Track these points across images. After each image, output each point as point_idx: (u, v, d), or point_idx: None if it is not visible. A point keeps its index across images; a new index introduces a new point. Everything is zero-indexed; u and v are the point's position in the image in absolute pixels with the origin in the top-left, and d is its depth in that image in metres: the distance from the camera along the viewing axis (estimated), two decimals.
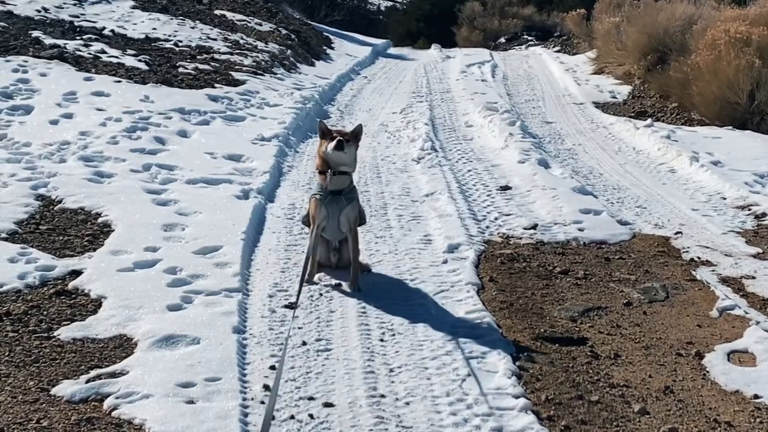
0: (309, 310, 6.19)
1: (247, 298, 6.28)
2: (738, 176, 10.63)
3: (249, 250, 7.17)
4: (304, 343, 5.67)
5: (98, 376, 5.08)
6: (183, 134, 10.66)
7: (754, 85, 14.57)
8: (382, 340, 5.76)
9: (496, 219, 8.50)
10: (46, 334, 5.53)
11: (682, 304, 6.53)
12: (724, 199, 9.82)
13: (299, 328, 5.90)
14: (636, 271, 7.19)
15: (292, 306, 6.20)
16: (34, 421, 4.57)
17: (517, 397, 5.08)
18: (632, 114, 16.15)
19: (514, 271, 7.08)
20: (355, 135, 6.43)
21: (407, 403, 4.98)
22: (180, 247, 7.03)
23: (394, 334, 5.85)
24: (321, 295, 6.45)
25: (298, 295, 5.56)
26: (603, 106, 16.97)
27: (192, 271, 6.56)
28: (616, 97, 18.15)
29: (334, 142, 6.18)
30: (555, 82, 20.14)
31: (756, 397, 5.20)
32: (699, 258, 7.51)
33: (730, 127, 14.19)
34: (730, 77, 14.68)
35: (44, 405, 4.75)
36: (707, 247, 7.81)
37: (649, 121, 14.39)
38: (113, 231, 7.29)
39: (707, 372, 5.53)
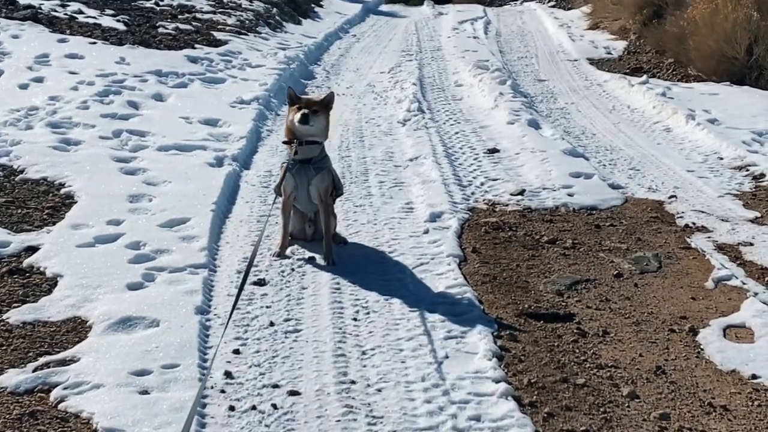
0: (279, 286, 5.82)
1: (213, 275, 5.92)
2: (735, 135, 10.23)
3: (219, 221, 6.80)
4: (272, 324, 5.31)
5: (47, 364, 4.72)
6: (158, 98, 10.24)
7: (752, 39, 14.10)
8: (355, 320, 5.40)
9: (482, 184, 8.12)
10: None
11: (676, 274, 6.16)
12: (721, 159, 9.43)
13: (267, 307, 5.52)
14: (627, 239, 6.82)
15: (260, 282, 5.83)
16: None
17: (497, 381, 4.72)
18: (627, 70, 15.70)
19: (499, 241, 6.70)
20: (326, 104, 6.03)
21: (379, 390, 4.64)
22: (145, 219, 6.65)
23: (368, 312, 5.48)
24: (293, 270, 6.08)
25: (243, 282, 5.33)
26: (598, 63, 16.52)
27: (156, 246, 6.18)
28: (611, 53, 17.69)
29: (299, 115, 5.86)
30: (549, 39, 19.65)
31: (754, 377, 4.86)
32: (694, 224, 7.14)
33: (728, 83, 13.76)
34: (728, 31, 14.22)
35: None
36: (703, 212, 7.43)
37: (644, 77, 13.94)
38: (76, 203, 6.91)
39: (701, 350, 5.18)
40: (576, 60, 16.78)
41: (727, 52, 14.20)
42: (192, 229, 6.51)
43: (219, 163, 8.06)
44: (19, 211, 6.72)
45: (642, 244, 6.71)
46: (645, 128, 11.18)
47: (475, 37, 18.76)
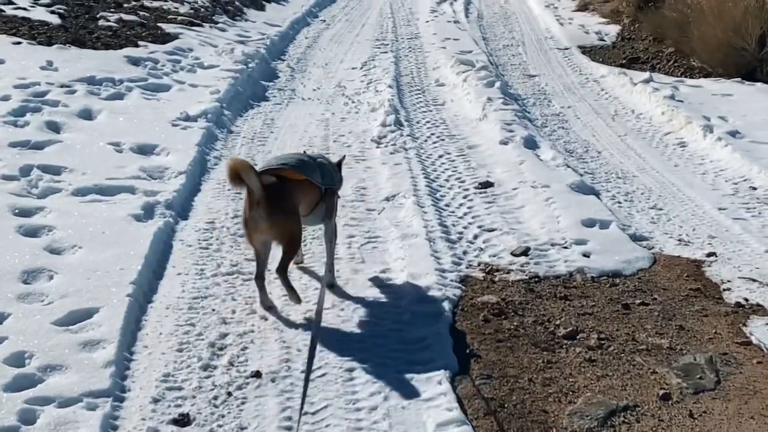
0: (208, 425, 4.23)
1: (119, 408, 4.32)
2: (764, 152, 8.73)
3: (137, 311, 5.20)
4: None
5: None
6: (86, 115, 8.60)
7: (764, 28, 12.65)
8: None
9: (475, 238, 6.56)
10: None
11: (740, 394, 4.64)
12: (754, 189, 7.94)
13: None
14: (667, 328, 5.29)
15: (183, 420, 4.25)
16: None
17: None
18: (624, 60, 14.22)
19: (503, 336, 5.15)
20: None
21: None
22: (38, 313, 5.03)
23: None
24: (229, 395, 4.48)
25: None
26: (590, 51, 15.02)
27: (47, 359, 4.59)
28: (603, 40, 16.21)
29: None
30: (535, 21, 18.12)
31: None
32: (747, 300, 5.63)
33: (739, 79, 12.33)
34: (737, 20, 12.79)
35: None
36: (755, 281, 5.91)
37: (647, 74, 12.41)
38: None
39: None
40: (567, 48, 15.29)
41: (735, 42, 12.75)
42: (98, 327, 4.91)
43: (148, 214, 6.45)
44: None
45: (687, 337, 5.19)
46: (656, 142, 9.68)
47: (455, 21, 17.17)
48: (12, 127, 7.95)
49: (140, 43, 11.52)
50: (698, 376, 4.74)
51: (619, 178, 8.24)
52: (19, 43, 10.54)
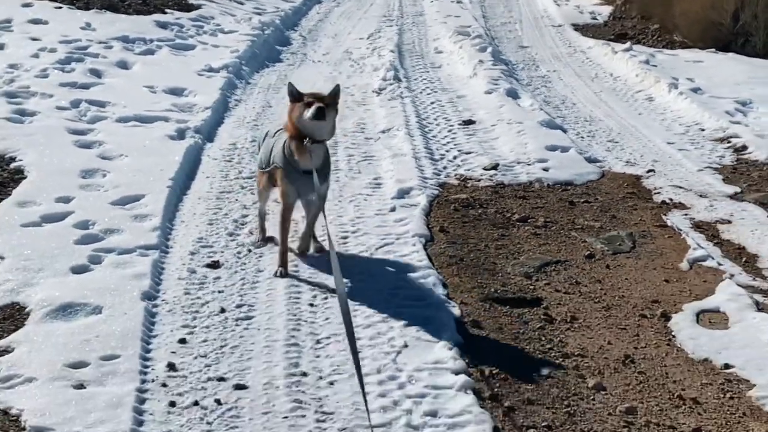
0: (234, 269, 5.54)
1: (165, 257, 5.62)
2: (719, 104, 9.97)
3: (175, 199, 6.49)
4: (223, 311, 5.02)
5: None
6: (123, 66, 9.89)
7: (738, 4, 13.81)
8: (312, 305, 5.13)
9: (455, 158, 7.83)
10: None
11: (650, 255, 5.91)
12: (703, 130, 9.16)
13: (219, 291, 5.24)
14: (602, 216, 6.56)
15: (214, 265, 5.55)
16: None
17: (457, 372, 4.46)
18: (612, 36, 15.36)
19: (468, 220, 6.42)
20: (334, 98, 5.34)
21: (331, 383, 4.38)
22: (97, 196, 6.34)
23: (326, 298, 5.21)
24: (250, 251, 5.78)
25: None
26: (582, 29, 16.16)
27: (106, 225, 5.88)
28: (596, 19, 17.34)
29: (313, 110, 5.12)
30: (534, 3, 19.23)
31: (727, 366, 4.62)
32: (671, 200, 6.88)
33: (713, 50, 13.48)
34: None
35: None
36: (681, 188, 7.17)
37: (627, 44, 13.61)
38: (25, 178, 6.59)
39: (673, 337, 4.93)
40: (560, 25, 16.43)
41: (713, 17, 13.90)
42: (145, 207, 6.21)
43: (180, 135, 7.74)
44: None
45: (616, 222, 6.45)
46: (627, 97, 10.89)
47: (458, 2, 18.33)
48: (61, 72, 9.26)
49: (167, 10, 12.81)
50: (618, 243, 6.01)
51: (586, 121, 9.48)
52: (60, 7, 11.86)
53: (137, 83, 9.24)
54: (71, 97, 8.48)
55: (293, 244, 5.76)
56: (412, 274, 5.48)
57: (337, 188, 6.92)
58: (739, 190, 7.16)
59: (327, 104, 5.19)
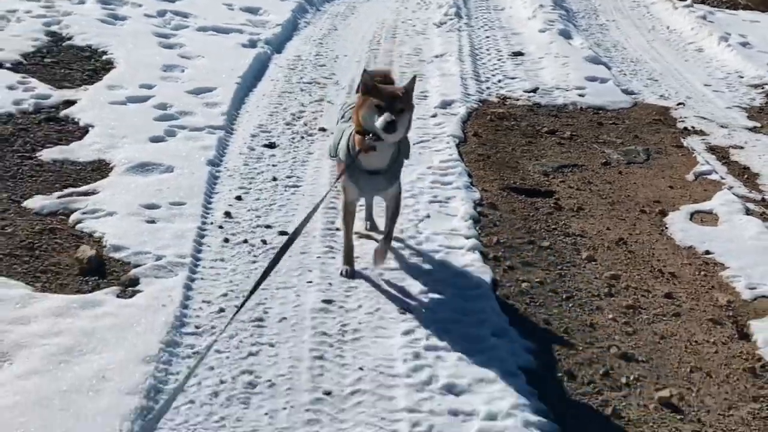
0: (287, 150, 6.35)
1: (229, 136, 6.46)
2: (763, 58, 10.42)
3: (242, 93, 7.33)
4: (275, 179, 5.84)
5: (70, 194, 5.31)
6: None
7: None
8: None
9: (499, 81, 8.51)
10: (28, 155, 5.78)
11: (661, 167, 6.55)
12: (741, 77, 9.66)
13: (273, 165, 6.05)
14: (625, 135, 7.20)
15: (271, 145, 6.36)
16: None
17: (468, 237, 5.21)
18: None
19: (501, 129, 7.13)
20: (410, 97, 4.45)
21: (357, 237, 5.13)
22: (175, 86, 7.20)
23: None
24: (303, 138, 6.58)
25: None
26: None
27: (181, 108, 6.74)
28: None
29: (383, 121, 4.27)
30: None
31: (707, 252, 5.28)
32: (693, 127, 7.48)
33: None
34: None
35: (13, 215, 5.01)
36: (705, 119, 7.76)
37: (689, 0, 14.02)
38: (114, 68, 7.47)
39: (666, 228, 5.60)
40: None
41: None
42: (216, 96, 7.05)
43: (252, 44, 8.56)
44: (63, 71, 7.32)
45: (637, 141, 7.09)
46: (678, 47, 11.38)
47: None
48: None
49: None
50: (633, 156, 6.67)
51: (632, 62, 10.05)
52: None
53: (216, 1, 10.06)
54: (158, 7, 9.36)
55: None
56: (442, 164, 6.22)
57: None
58: (759, 125, 7.73)
59: (401, 110, 4.34)
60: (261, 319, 4.34)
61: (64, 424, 3.42)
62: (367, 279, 4.70)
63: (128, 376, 3.74)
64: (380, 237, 4.90)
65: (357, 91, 4.66)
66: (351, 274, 4.76)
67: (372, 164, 4.49)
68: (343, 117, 4.97)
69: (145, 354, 3.89)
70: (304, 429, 3.61)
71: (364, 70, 4.50)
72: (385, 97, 4.33)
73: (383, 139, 4.36)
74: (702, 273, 5.07)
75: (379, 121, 4.30)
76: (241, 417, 3.65)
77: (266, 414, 3.64)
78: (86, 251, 4.62)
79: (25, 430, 3.37)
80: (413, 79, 4.49)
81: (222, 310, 4.36)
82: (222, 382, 3.86)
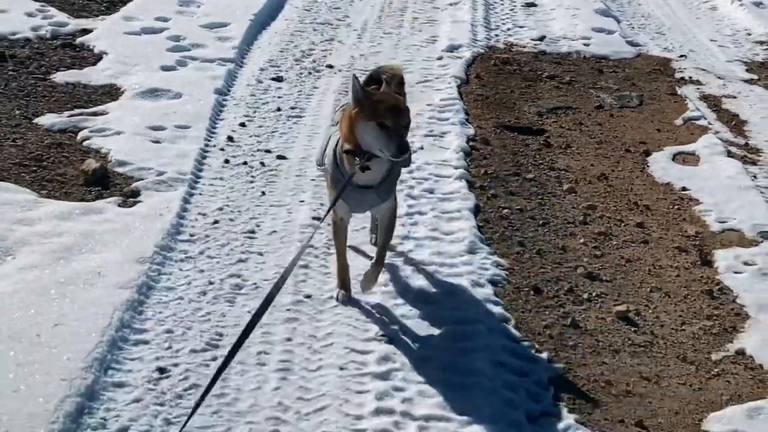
0: (294, 84, 6.64)
1: (239, 69, 6.76)
2: None
3: (255, 30, 7.61)
4: (279, 109, 6.14)
5: (80, 114, 5.65)
6: None
7: None
8: None
9: (508, 30, 8.71)
10: (42, 76, 6.13)
11: (652, 112, 6.78)
12: (749, 35, 9.77)
13: (279, 97, 6.35)
14: (623, 83, 7.41)
15: (279, 78, 6.64)
16: (10, 141, 5.18)
17: (457, 168, 5.49)
18: None
19: (503, 73, 7.36)
20: (405, 101, 3.96)
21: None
22: (190, 20, 7.50)
23: None
24: (310, 73, 6.86)
25: None
26: None
27: (194, 41, 7.04)
28: None
29: (396, 148, 3.63)
30: None
31: (684, 189, 5.52)
32: (690, 77, 7.67)
33: None
34: None
35: (24, 130, 5.37)
36: (704, 70, 7.94)
37: None
38: (132, 0, 7.76)
39: (647, 166, 5.85)
40: None
41: None
42: (230, 32, 7.34)
43: None
44: (81, 1, 7.66)
45: (633, 87, 7.30)
46: (692, 5, 11.46)
47: None
48: None
49: None
50: (627, 101, 6.90)
51: (643, 17, 10.19)
52: None
53: None
54: None
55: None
56: (441, 102, 6.48)
57: (396, 39, 7.92)
58: (756, 77, 7.90)
59: (407, 124, 3.76)
60: (252, 231, 4.67)
61: (59, 309, 3.75)
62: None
63: (123, 273, 4.07)
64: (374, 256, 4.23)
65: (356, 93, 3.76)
66: (346, 299, 4.15)
67: (364, 180, 3.86)
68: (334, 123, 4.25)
69: (140, 255, 4.23)
70: (284, 326, 3.93)
71: (354, 77, 3.74)
72: (391, 116, 3.65)
73: (390, 160, 3.76)
74: (675, 207, 5.32)
75: (392, 148, 3.62)
76: (226, 313, 3.98)
77: (249, 312, 3.94)
78: (91, 164, 4.95)
79: (23, 314, 3.70)
80: (401, 79, 4.12)
81: (216, 221, 4.69)
82: (210, 283, 4.19)
